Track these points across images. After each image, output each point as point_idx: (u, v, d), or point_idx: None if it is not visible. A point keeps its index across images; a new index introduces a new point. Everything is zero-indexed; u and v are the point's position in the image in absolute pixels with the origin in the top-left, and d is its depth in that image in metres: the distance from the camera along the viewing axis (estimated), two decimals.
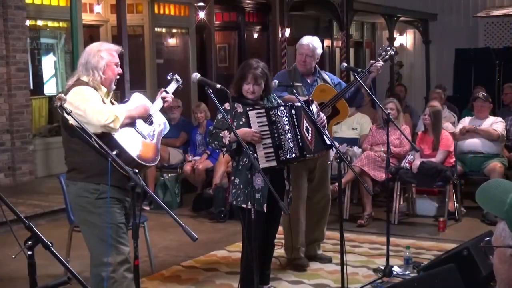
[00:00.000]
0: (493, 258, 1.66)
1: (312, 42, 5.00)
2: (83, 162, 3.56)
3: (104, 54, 3.63)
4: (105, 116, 3.42)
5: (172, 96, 3.94)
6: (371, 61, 5.07)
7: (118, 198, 3.60)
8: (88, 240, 3.69)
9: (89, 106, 3.45)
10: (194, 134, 7.92)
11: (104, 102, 3.58)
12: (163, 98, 3.86)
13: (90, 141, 3.15)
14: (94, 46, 3.70)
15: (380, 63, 4.97)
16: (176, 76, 3.98)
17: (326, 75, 5.19)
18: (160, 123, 3.90)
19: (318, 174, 5.13)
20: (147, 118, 3.79)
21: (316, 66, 5.16)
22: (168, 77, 4.01)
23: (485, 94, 7.29)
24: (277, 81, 4.57)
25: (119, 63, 3.74)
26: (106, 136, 3.47)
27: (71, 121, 3.17)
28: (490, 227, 5.94)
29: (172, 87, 3.96)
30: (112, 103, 3.74)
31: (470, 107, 8.69)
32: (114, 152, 3.29)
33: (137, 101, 3.81)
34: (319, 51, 5.07)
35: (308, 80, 5.07)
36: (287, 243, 5.11)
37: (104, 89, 3.65)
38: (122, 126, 3.52)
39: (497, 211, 1.63)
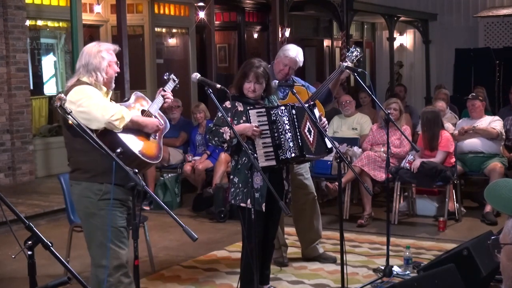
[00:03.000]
0: (500, 256, 1.67)
1: (298, 55, 4.96)
2: (87, 161, 3.54)
3: (104, 54, 3.64)
4: (111, 112, 3.44)
5: (172, 94, 3.95)
6: (340, 62, 5.06)
7: (121, 200, 3.58)
8: (88, 241, 3.69)
9: (93, 103, 3.45)
10: (194, 134, 7.92)
11: None
12: (163, 96, 3.87)
13: (93, 140, 3.13)
14: (93, 47, 3.69)
15: (348, 64, 4.97)
16: (172, 76, 3.99)
17: (296, 79, 5.20)
18: (162, 122, 3.91)
19: (294, 178, 5.07)
20: (149, 116, 3.78)
21: None
22: (165, 77, 4.01)
23: (474, 94, 7.31)
24: (277, 81, 4.56)
25: (118, 62, 3.75)
26: (110, 133, 3.47)
27: (71, 121, 3.16)
28: (490, 227, 5.95)
29: (169, 86, 3.97)
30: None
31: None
32: (118, 150, 3.30)
33: (137, 100, 3.80)
34: (301, 64, 5.07)
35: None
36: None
37: (104, 89, 3.67)
38: (125, 127, 3.51)
39: (506, 209, 1.66)
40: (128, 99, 3.82)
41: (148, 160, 3.64)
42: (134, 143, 3.58)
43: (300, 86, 5.01)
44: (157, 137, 3.81)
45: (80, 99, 3.48)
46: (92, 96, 3.50)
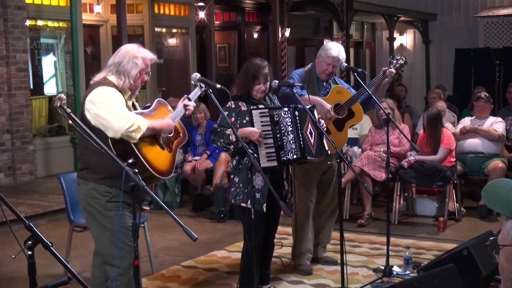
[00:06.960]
0: (498, 257, 1.66)
1: (340, 53, 4.94)
2: (98, 163, 3.47)
3: (139, 61, 3.56)
4: (129, 123, 3.34)
5: (194, 104, 3.85)
6: (383, 68, 5.06)
7: (128, 203, 3.50)
8: (97, 241, 3.64)
9: (112, 111, 3.38)
10: (194, 134, 7.92)
11: (127, 105, 3.53)
12: (185, 106, 3.77)
13: (96, 143, 3.09)
14: (131, 49, 3.61)
15: (393, 70, 4.99)
16: (201, 83, 3.87)
17: (337, 79, 5.21)
18: (180, 133, 3.83)
19: (330, 177, 5.11)
20: None
21: None
22: (193, 82, 3.91)
23: (487, 95, 7.29)
24: (277, 81, 4.56)
25: (150, 72, 3.67)
26: (123, 142, 3.39)
27: (71, 122, 3.14)
28: (490, 227, 5.95)
29: (195, 93, 3.86)
30: (134, 106, 3.67)
31: (470, 107, 8.68)
32: (130, 161, 3.20)
33: (160, 107, 3.72)
34: (343, 60, 5.02)
35: (324, 83, 5.06)
36: (293, 248, 5.10)
37: (129, 92, 3.60)
38: (142, 136, 3.42)
39: (504, 210, 1.65)
40: (150, 105, 3.72)
41: (158, 176, 3.56)
42: (147, 154, 3.49)
43: (343, 86, 5.04)
44: (172, 151, 3.71)
45: (100, 102, 3.42)
46: (112, 103, 3.42)
